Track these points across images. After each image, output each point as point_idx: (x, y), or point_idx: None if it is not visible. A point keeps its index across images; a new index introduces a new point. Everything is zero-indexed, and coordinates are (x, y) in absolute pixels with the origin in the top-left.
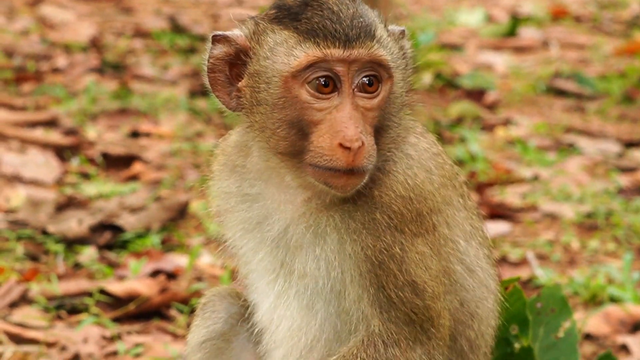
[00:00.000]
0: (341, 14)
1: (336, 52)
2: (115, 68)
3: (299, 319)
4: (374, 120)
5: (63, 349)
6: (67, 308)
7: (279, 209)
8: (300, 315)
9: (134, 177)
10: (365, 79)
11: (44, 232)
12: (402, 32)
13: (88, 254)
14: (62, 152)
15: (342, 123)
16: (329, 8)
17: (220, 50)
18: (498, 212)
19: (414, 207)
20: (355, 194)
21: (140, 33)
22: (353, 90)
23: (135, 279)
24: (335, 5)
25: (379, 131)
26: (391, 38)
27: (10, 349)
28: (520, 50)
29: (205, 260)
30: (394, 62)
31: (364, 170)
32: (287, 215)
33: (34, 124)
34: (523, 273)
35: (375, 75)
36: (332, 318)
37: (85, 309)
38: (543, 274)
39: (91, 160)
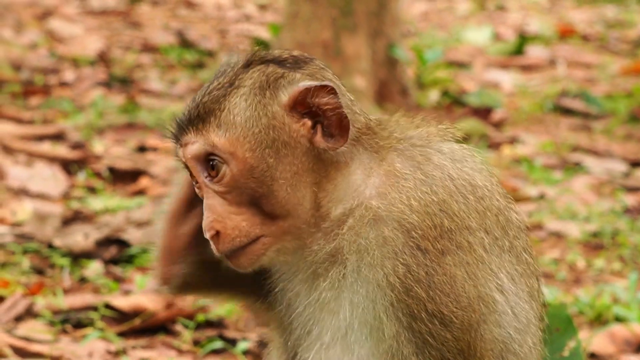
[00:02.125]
0: (192, 101)
1: (171, 141)
2: (123, 82)
3: None
4: (242, 197)
5: None
6: (72, 322)
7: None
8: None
9: (140, 192)
10: (206, 163)
11: (50, 246)
12: (306, 90)
13: (94, 268)
14: (69, 166)
15: (203, 213)
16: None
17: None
18: None
19: (437, 222)
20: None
21: (148, 48)
22: (205, 176)
23: (140, 294)
24: (200, 91)
25: (269, 200)
26: (261, 107)
27: None
28: (527, 68)
29: None
30: (236, 141)
31: (234, 250)
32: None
33: (41, 138)
34: None
35: (212, 159)
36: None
37: (90, 324)
38: (548, 293)
39: (98, 175)
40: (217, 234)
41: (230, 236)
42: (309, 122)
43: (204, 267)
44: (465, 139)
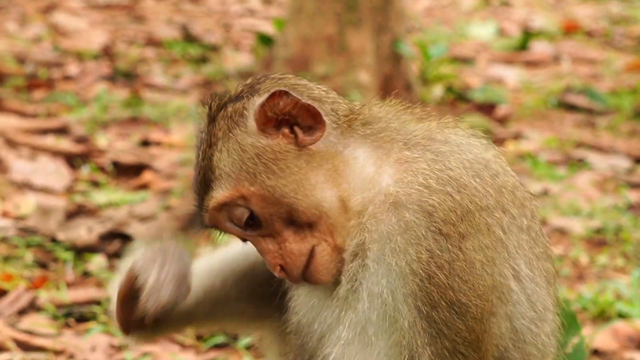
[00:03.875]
0: (194, 182)
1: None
2: (127, 76)
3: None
4: (276, 225)
5: (71, 357)
6: (75, 316)
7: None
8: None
9: (143, 186)
10: (231, 219)
11: (54, 240)
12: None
13: (97, 262)
14: (72, 160)
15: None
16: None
17: None
18: None
19: (457, 203)
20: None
21: (152, 42)
22: (240, 230)
23: None
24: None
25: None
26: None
27: (18, 356)
28: (531, 64)
29: None
30: (237, 185)
31: (304, 272)
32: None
33: (44, 132)
34: None
35: (231, 213)
36: (389, 352)
37: (93, 317)
38: None
39: (101, 169)
40: (282, 268)
41: (292, 263)
42: (286, 130)
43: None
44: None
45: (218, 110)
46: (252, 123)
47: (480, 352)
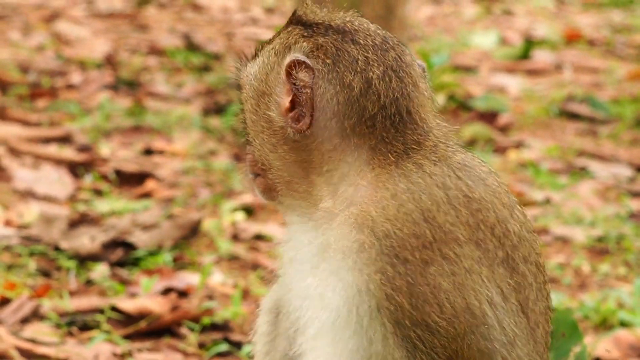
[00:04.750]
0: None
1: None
2: (130, 85)
3: None
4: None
5: None
6: (78, 324)
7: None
8: None
9: (146, 195)
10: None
11: (57, 249)
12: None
13: (100, 271)
14: (75, 169)
15: None
16: None
17: None
18: None
19: (419, 231)
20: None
21: (155, 50)
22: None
23: (146, 297)
24: None
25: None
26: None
27: None
28: (533, 73)
29: (217, 278)
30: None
31: (251, 178)
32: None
33: (47, 140)
34: None
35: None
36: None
37: (96, 326)
38: (554, 298)
39: (104, 177)
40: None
41: (247, 164)
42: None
43: None
44: (471, 143)
45: (295, 21)
46: (285, 62)
47: None
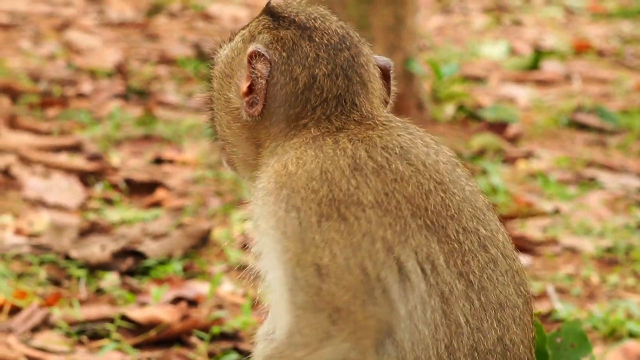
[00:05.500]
0: None
1: None
2: (140, 94)
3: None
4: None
5: None
6: (88, 333)
7: None
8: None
9: (156, 204)
10: None
11: (67, 257)
12: None
13: (110, 280)
14: (85, 178)
15: None
16: None
17: None
18: (518, 245)
19: (315, 186)
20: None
21: (165, 60)
22: None
23: (156, 306)
24: None
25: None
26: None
27: None
28: (542, 83)
29: (227, 288)
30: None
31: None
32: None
33: (58, 149)
34: (543, 307)
35: None
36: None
37: (106, 335)
38: (562, 308)
39: (114, 186)
40: None
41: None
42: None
43: None
44: (481, 153)
45: (266, 11)
46: (248, 50)
47: (349, 320)
